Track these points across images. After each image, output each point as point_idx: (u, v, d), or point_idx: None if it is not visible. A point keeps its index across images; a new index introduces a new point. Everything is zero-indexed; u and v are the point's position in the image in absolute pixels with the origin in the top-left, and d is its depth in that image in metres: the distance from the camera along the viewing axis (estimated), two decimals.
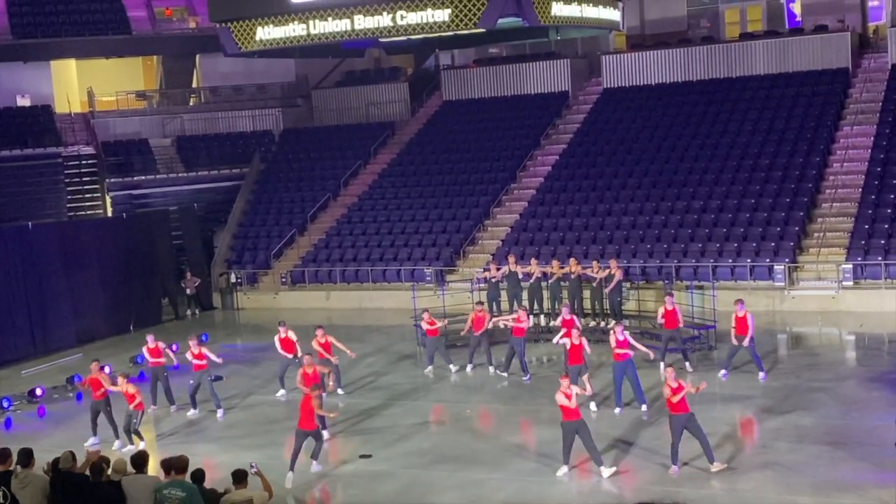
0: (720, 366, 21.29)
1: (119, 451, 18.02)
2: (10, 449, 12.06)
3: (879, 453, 15.71)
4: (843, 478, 14.90)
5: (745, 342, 20.58)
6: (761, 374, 20.70)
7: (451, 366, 22.81)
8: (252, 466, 11.72)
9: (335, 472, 16.89)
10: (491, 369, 22.58)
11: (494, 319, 23.12)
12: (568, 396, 15.43)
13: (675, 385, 15.19)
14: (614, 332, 18.96)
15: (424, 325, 22.77)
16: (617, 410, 18.88)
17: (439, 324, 22.81)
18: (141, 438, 18.45)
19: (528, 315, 22.45)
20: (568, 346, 19.55)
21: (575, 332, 19.56)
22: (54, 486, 11.57)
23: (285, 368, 21.55)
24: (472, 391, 21.52)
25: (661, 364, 21.21)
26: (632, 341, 19.11)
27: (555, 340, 20.54)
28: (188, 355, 20.52)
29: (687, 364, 21.52)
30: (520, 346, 21.74)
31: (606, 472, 15.52)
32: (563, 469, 15.73)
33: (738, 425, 17.86)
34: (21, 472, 11.64)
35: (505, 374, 22.04)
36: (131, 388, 18.15)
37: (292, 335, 21.53)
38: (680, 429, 15.31)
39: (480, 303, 23.75)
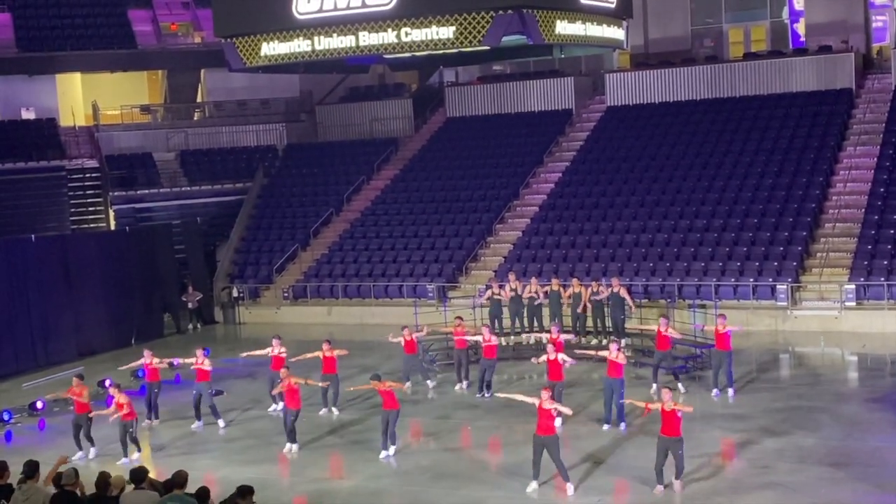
0: (711, 385, 21.20)
1: (92, 459, 18.20)
2: (6, 462, 12.05)
3: (881, 475, 15.68)
4: (845, 499, 14.85)
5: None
6: (730, 391, 20.76)
7: (407, 383, 22.77)
8: None
9: (334, 489, 16.86)
10: (461, 385, 22.70)
11: (467, 337, 22.91)
12: (544, 409, 15.51)
13: (669, 408, 15.16)
14: (609, 349, 18.98)
15: (403, 340, 22.67)
16: (605, 427, 18.88)
17: (413, 337, 22.79)
18: (138, 448, 18.64)
19: (492, 333, 22.30)
20: (543, 360, 19.61)
21: (550, 348, 19.59)
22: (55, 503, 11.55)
23: (273, 384, 21.54)
24: (472, 408, 21.45)
25: (654, 385, 21.13)
26: (618, 359, 19.00)
27: (535, 361, 20.42)
28: (192, 362, 20.77)
29: (679, 385, 21.42)
30: (490, 366, 21.74)
31: (571, 488, 15.56)
32: (534, 485, 15.78)
33: (739, 445, 17.79)
34: (25, 485, 11.64)
35: (479, 396, 21.93)
36: (123, 398, 18.28)
37: (283, 352, 21.50)
38: (664, 450, 15.30)
39: (459, 318, 23.66)
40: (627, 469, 16.68)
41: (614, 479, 16.29)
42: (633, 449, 17.71)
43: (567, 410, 16.67)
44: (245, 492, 11.28)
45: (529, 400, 16.11)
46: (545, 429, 15.58)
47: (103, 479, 11.64)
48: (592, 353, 20.63)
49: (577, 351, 21.70)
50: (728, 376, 20.95)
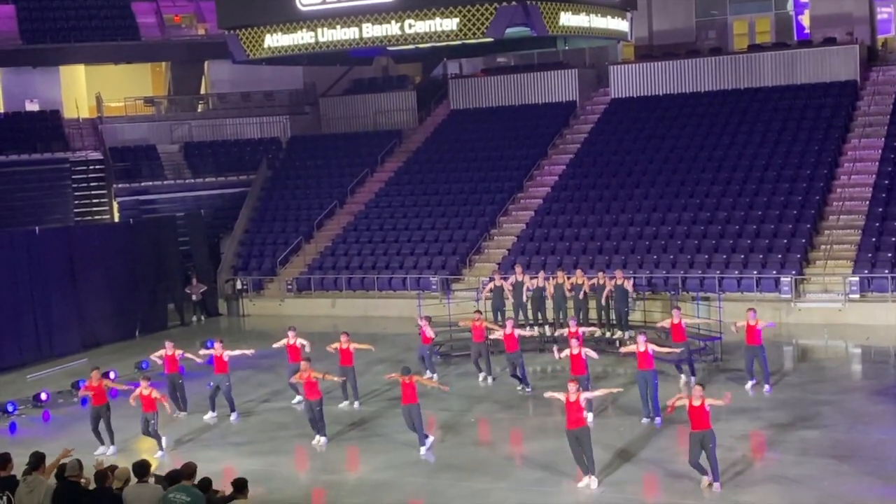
0: (747, 377, 21.10)
1: (113, 455, 18.12)
2: (10, 454, 12.07)
3: (885, 467, 15.70)
4: (849, 492, 14.86)
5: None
6: (766, 387, 20.66)
7: (434, 375, 22.73)
8: None
9: (340, 481, 16.89)
10: (489, 379, 22.58)
11: (488, 327, 22.86)
12: (572, 403, 15.45)
13: (697, 403, 15.07)
14: (637, 342, 18.93)
15: (425, 330, 22.67)
16: (645, 420, 18.76)
17: (430, 333, 22.81)
18: (161, 446, 18.62)
19: (514, 327, 21.96)
20: (566, 355, 19.55)
21: (574, 342, 19.50)
22: (58, 496, 11.54)
23: (293, 374, 21.59)
24: (476, 400, 21.48)
25: (682, 377, 21.08)
26: (655, 349, 19.01)
27: (556, 356, 20.23)
28: (212, 353, 20.86)
29: (692, 378, 21.37)
30: (517, 358, 21.61)
31: (594, 482, 15.54)
32: (586, 480, 15.67)
33: (744, 438, 17.79)
34: (30, 476, 11.65)
35: (522, 389, 21.80)
36: (155, 393, 18.24)
37: (301, 342, 21.54)
38: (698, 444, 15.18)
39: (478, 311, 23.66)
40: (641, 461, 16.68)
41: (624, 471, 16.26)
42: (642, 441, 17.71)
43: (598, 393, 16.56)
44: (240, 486, 11.30)
45: (558, 396, 16.05)
46: (576, 422, 15.49)
47: (102, 473, 11.65)
48: (621, 349, 20.54)
49: (608, 348, 21.46)
50: (765, 371, 20.76)
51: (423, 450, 17.80)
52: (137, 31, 42.79)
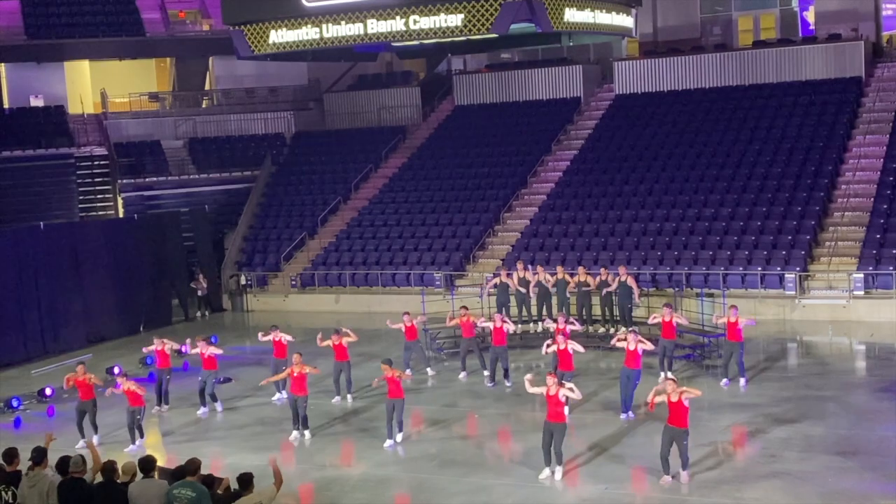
0: (721, 375, 21.19)
1: (82, 448, 18.19)
2: (17, 449, 12.09)
3: (888, 464, 15.68)
4: (852, 488, 14.86)
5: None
6: (741, 381, 20.76)
7: (408, 370, 22.42)
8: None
9: (342, 476, 16.91)
10: (486, 373, 22.55)
11: (482, 324, 22.85)
12: (551, 396, 15.57)
13: (675, 399, 15.16)
14: (627, 339, 18.94)
15: (404, 326, 22.65)
16: (622, 416, 18.86)
17: (414, 322, 22.82)
18: (141, 435, 18.79)
19: (503, 321, 22.03)
20: (553, 350, 19.65)
21: (560, 338, 19.56)
22: (62, 492, 11.56)
23: (276, 372, 21.58)
24: (478, 396, 21.47)
25: (661, 374, 21.08)
26: (644, 349, 19.01)
27: (543, 350, 20.30)
28: (196, 349, 21.16)
29: (669, 373, 21.27)
30: (501, 353, 21.69)
31: (559, 472, 15.69)
32: (546, 472, 15.83)
33: (747, 434, 17.79)
34: (32, 471, 11.67)
35: (491, 385, 21.93)
36: (132, 386, 18.38)
37: (286, 339, 21.62)
38: (668, 440, 15.31)
39: (465, 307, 23.61)
40: (634, 458, 16.71)
41: (622, 467, 16.31)
42: (640, 437, 17.74)
43: (576, 395, 16.65)
44: (246, 482, 11.31)
45: (538, 391, 16.11)
46: (555, 416, 15.62)
47: (110, 467, 11.66)
48: (614, 342, 20.59)
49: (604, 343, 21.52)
50: (740, 366, 20.90)
51: (388, 443, 17.99)
52: (142, 26, 42.87)
